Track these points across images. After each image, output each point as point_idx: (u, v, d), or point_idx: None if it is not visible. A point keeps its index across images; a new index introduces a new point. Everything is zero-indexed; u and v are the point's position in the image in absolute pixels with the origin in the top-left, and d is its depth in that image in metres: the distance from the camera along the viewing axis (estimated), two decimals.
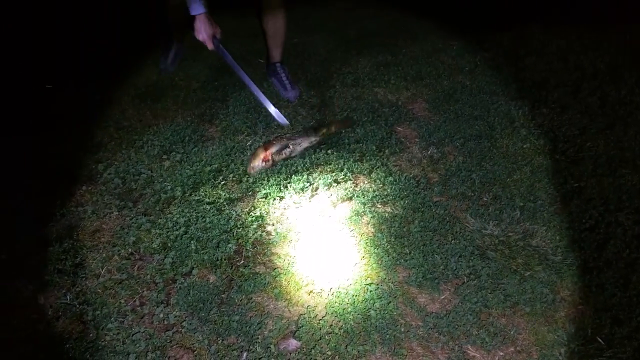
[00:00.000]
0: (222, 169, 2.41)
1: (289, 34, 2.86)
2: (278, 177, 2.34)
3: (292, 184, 2.29)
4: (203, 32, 2.45)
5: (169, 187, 2.31)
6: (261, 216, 2.16)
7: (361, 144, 2.52)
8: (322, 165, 2.41)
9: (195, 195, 2.27)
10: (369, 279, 1.87)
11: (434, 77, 3.01)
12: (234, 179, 2.36)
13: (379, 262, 1.92)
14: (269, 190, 2.27)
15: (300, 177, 2.32)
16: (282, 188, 2.28)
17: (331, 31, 3.63)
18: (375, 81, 3.01)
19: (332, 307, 1.78)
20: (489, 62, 3.08)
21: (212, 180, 2.36)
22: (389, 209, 2.15)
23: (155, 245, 2.05)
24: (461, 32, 3.46)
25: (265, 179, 2.34)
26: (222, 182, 2.34)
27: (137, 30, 3.58)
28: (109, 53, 3.38)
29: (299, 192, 2.25)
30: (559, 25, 3.40)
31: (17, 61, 3.28)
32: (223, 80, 3.06)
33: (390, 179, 2.29)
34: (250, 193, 2.28)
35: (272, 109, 2.66)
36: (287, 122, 2.66)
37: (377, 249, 1.97)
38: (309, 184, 2.30)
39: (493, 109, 2.66)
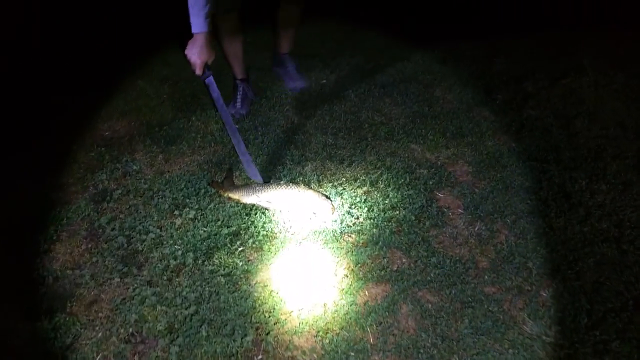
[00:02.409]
0: (241, 232, 2.14)
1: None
2: (304, 246, 2.06)
3: (319, 260, 2.01)
4: (197, 54, 2.18)
5: (180, 252, 2.03)
6: (284, 298, 1.87)
7: (397, 212, 2.23)
8: (355, 234, 2.13)
9: (209, 264, 1.99)
10: None
11: (476, 135, 2.73)
12: (254, 245, 2.08)
13: None
14: (291, 265, 1.99)
15: (329, 250, 2.04)
16: (308, 263, 1.99)
17: (363, 73, 3.37)
18: (411, 135, 2.74)
19: None
20: (537, 122, 2.81)
21: (229, 245, 2.08)
22: (433, 299, 1.85)
23: (161, 327, 1.76)
24: (504, 84, 3.19)
25: (290, 249, 2.05)
26: (240, 249, 2.06)
27: (156, 61, 3.34)
28: (121, 85, 3.13)
29: (327, 270, 1.96)
30: (611, 81, 3.13)
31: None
32: (244, 124, 2.80)
33: (434, 260, 2.00)
34: (271, 264, 2.00)
35: (248, 162, 2.37)
36: (260, 179, 2.37)
37: (421, 353, 1.67)
38: (338, 259, 2.01)
39: (545, 180, 2.38)
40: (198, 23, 2.13)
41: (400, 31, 3.01)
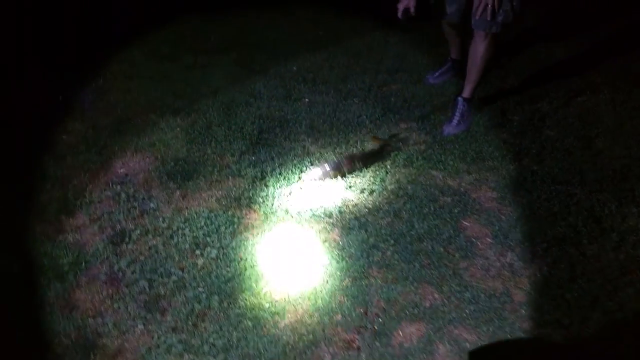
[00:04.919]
0: (265, 271, 2.07)
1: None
2: (331, 284, 2.00)
3: (348, 299, 1.94)
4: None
5: (204, 295, 1.97)
6: (314, 341, 1.80)
7: (425, 244, 2.17)
8: (383, 269, 2.07)
9: (235, 307, 1.93)
10: None
11: (497, 159, 2.68)
12: (279, 285, 2.02)
13: None
14: (319, 304, 1.93)
15: (357, 288, 1.98)
16: (336, 303, 1.93)
17: (375, 97, 3.31)
18: (431, 161, 2.68)
19: None
20: (557, 144, 2.75)
21: (254, 286, 2.01)
22: (470, 337, 1.79)
23: None
24: (519, 104, 3.14)
25: (317, 288, 1.99)
26: (265, 290, 2.00)
27: (166, 93, 3.30)
28: (133, 119, 3.08)
29: (355, 310, 1.90)
30: (628, 98, 3.08)
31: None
32: (260, 155, 2.75)
33: (467, 295, 1.93)
34: (298, 304, 1.93)
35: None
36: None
37: None
38: (368, 297, 1.95)
39: (573, 205, 2.32)
40: None
41: (412, 51, 2.96)
